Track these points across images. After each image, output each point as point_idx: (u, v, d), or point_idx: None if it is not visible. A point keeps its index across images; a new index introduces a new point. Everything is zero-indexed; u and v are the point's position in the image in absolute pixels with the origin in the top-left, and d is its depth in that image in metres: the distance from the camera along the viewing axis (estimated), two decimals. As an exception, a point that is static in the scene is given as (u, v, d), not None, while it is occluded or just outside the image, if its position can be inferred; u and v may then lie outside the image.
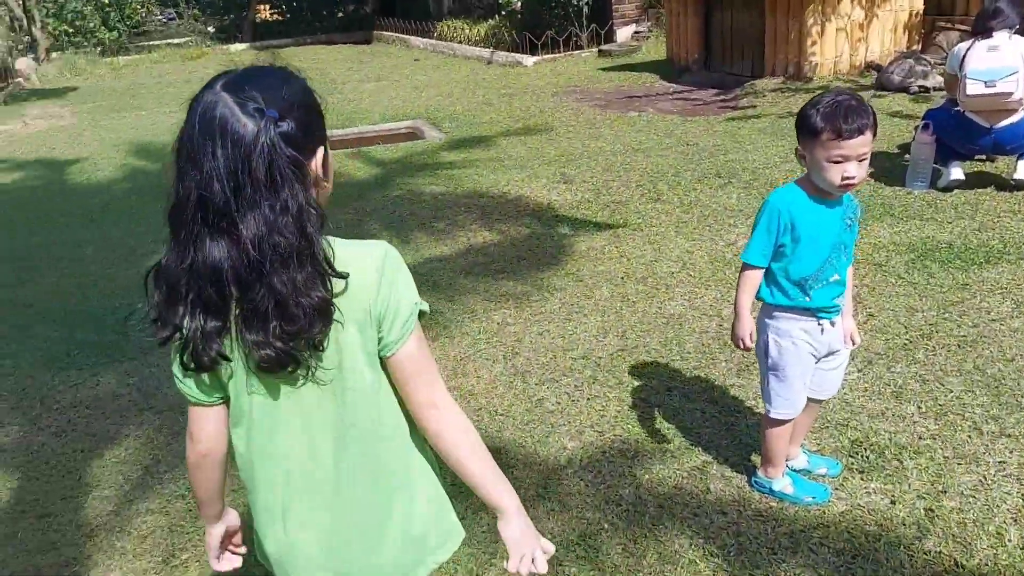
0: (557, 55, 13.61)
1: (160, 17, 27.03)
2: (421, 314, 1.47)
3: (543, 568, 1.51)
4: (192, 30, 23.31)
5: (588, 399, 3.52)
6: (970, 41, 5.23)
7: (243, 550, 1.78)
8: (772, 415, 2.70)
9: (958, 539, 2.55)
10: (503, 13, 15.14)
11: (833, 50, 9.19)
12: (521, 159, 7.57)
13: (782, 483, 2.80)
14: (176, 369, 1.43)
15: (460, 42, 16.30)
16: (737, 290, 2.61)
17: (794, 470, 2.88)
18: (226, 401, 1.50)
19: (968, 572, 2.43)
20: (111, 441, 3.57)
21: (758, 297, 2.60)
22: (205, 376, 1.44)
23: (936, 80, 7.83)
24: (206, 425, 1.53)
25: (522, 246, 5.38)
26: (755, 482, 2.86)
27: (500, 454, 3.11)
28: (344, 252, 1.39)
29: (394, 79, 13.65)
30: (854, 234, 2.58)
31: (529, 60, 13.40)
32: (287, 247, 1.29)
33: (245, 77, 1.35)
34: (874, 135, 2.36)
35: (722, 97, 9.59)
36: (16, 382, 4.20)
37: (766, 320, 2.63)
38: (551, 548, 1.54)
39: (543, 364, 3.85)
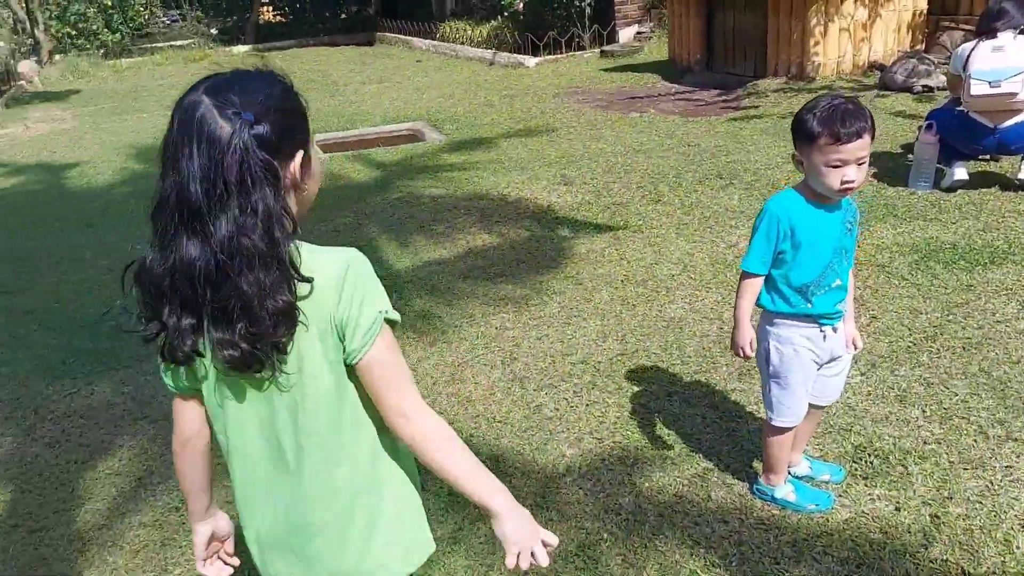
0: (559, 56, 13.57)
1: (163, 19, 27.01)
2: (393, 323, 1.46)
3: (544, 561, 1.47)
4: (195, 32, 23.27)
5: (587, 405, 3.48)
6: (974, 41, 5.17)
7: (236, 562, 1.76)
8: (774, 423, 2.65)
9: (965, 547, 2.50)
10: (505, 14, 15.11)
11: (836, 50, 9.14)
12: (522, 161, 7.53)
13: (784, 490, 2.75)
14: (159, 359, 1.47)
15: (462, 43, 16.28)
16: (737, 298, 2.56)
17: (797, 477, 2.83)
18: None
19: (974, 582, 2.38)
20: (105, 452, 3.53)
21: (758, 304, 2.56)
22: (183, 370, 1.48)
23: (939, 80, 7.77)
24: (186, 413, 1.59)
25: (521, 249, 5.33)
26: (757, 490, 2.82)
27: (498, 462, 3.06)
28: (311, 257, 1.41)
29: (396, 81, 13.62)
30: (854, 238, 2.53)
31: (531, 61, 13.37)
32: (253, 249, 1.30)
33: (227, 80, 1.38)
34: (872, 137, 2.32)
35: (724, 98, 9.54)
36: (11, 391, 4.17)
37: (767, 327, 2.58)
38: (554, 540, 1.50)
39: (542, 369, 3.80)
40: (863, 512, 2.68)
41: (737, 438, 3.14)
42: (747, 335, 2.55)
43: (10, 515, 3.18)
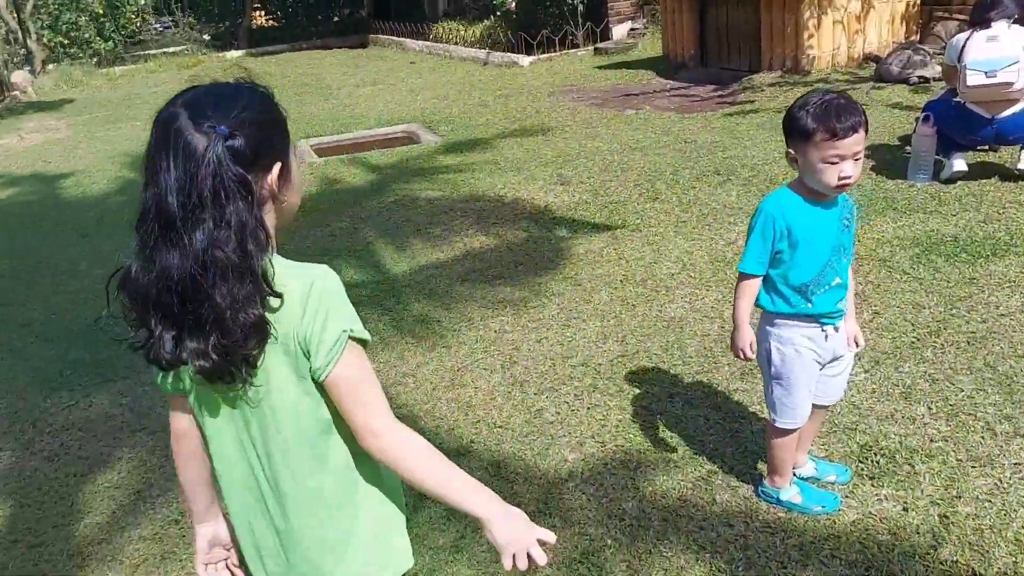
0: (553, 54, 13.52)
1: (156, 26, 26.93)
2: (363, 342, 1.45)
3: (542, 560, 1.44)
4: (188, 38, 23.21)
5: (588, 408, 3.44)
6: (968, 32, 5.15)
7: (241, 574, 1.73)
8: (778, 425, 2.61)
9: (975, 547, 2.47)
10: (498, 13, 15.06)
11: (831, 43, 9.10)
12: (518, 161, 7.49)
13: (790, 492, 2.72)
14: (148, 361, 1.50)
15: (456, 43, 16.22)
16: (735, 299, 2.53)
17: (802, 478, 2.80)
18: None
19: (985, 582, 2.35)
20: (104, 464, 3.50)
21: (758, 304, 2.52)
22: (171, 373, 1.50)
23: (935, 71, 7.73)
24: (177, 411, 1.63)
25: (519, 250, 5.30)
26: (762, 492, 2.78)
27: (499, 468, 3.03)
28: (283, 272, 1.41)
29: (390, 83, 13.58)
30: (852, 235, 2.50)
31: (525, 60, 13.32)
32: (227, 261, 1.32)
33: (204, 93, 1.40)
34: (866, 132, 2.29)
35: (719, 93, 9.50)
36: (8, 404, 4.14)
37: (767, 328, 2.55)
38: (551, 537, 1.47)
39: (542, 373, 3.77)
40: (870, 513, 2.65)
41: (741, 439, 3.11)
42: (747, 337, 2.52)
43: (9, 530, 3.15)
